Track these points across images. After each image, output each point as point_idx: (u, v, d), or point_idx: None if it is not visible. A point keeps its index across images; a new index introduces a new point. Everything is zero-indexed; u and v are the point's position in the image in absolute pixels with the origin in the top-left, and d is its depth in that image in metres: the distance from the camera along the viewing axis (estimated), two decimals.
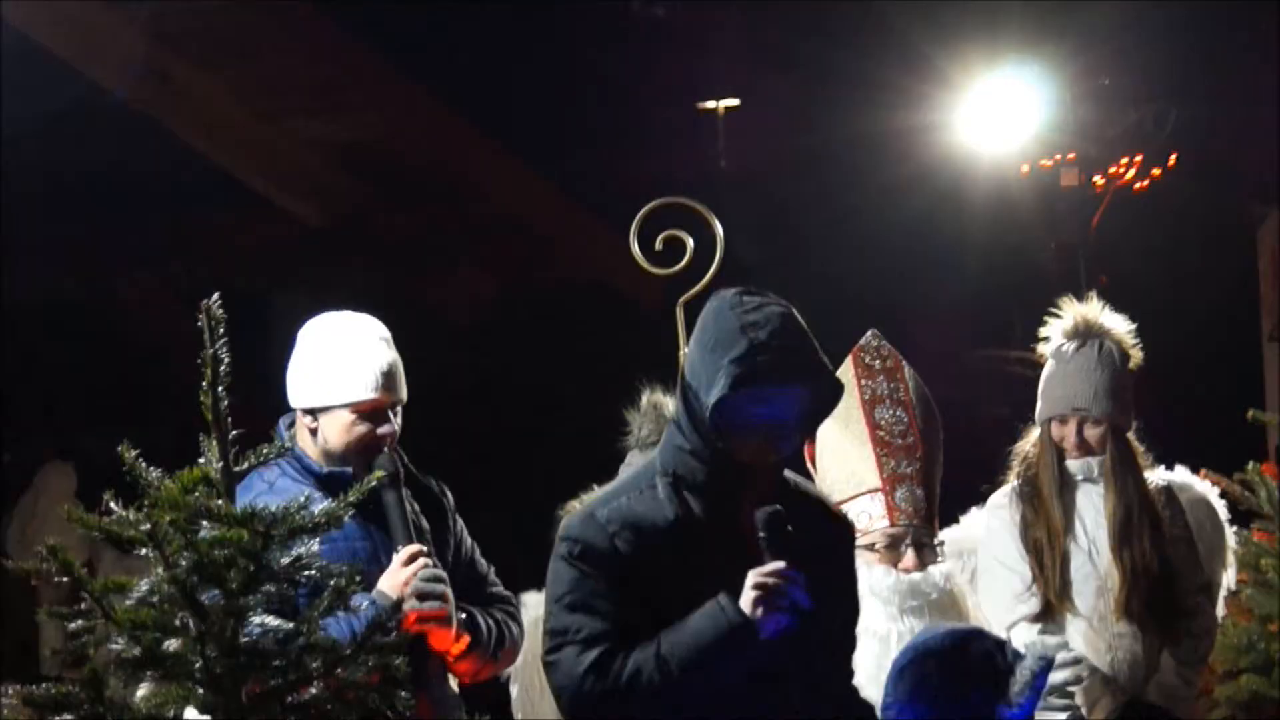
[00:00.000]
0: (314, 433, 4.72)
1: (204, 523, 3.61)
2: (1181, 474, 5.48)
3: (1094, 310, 5.42)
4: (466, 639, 4.67)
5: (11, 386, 9.14)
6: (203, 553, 3.55)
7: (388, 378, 4.71)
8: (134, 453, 3.64)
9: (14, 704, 3.59)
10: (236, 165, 10.16)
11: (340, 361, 4.69)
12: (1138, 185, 10.73)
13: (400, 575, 4.56)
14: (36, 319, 8.98)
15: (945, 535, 5.16)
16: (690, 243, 4.84)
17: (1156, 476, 5.40)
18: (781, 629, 3.85)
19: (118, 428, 3.77)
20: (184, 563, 3.55)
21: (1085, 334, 5.37)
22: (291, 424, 4.79)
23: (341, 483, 4.38)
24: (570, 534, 3.95)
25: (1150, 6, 10.11)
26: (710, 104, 11.61)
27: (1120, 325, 5.41)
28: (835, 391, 3.99)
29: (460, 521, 4.95)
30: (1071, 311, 5.42)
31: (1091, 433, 5.33)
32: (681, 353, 4.04)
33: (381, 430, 4.71)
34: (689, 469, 3.96)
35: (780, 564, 3.87)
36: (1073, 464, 5.34)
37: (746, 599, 3.85)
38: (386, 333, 4.79)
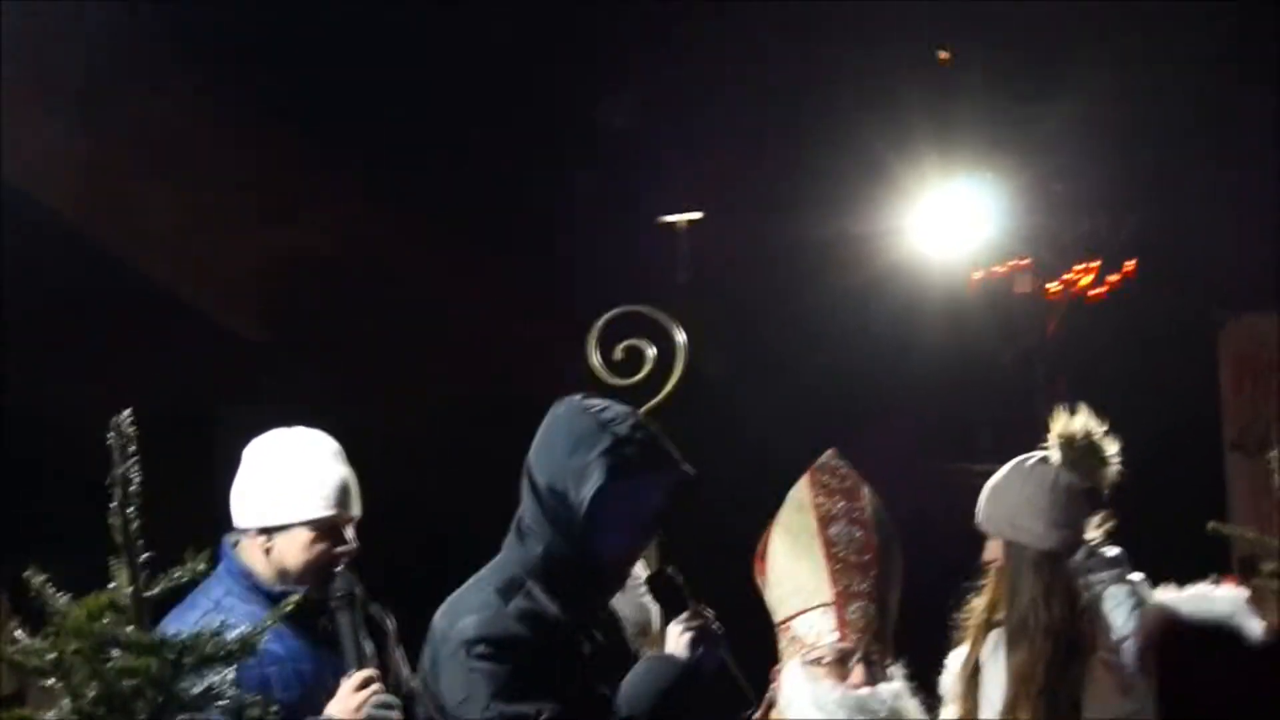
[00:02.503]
0: (268, 552, 4.62)
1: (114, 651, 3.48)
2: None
3: (1064, 423, 5.27)
4: None
5: None
6: (109, 682, 3.42)
7: (344, 493, 4.65)
8: (41, 578, 3.52)
9: None
10: (174, 277, 10.07)
11: (296, 478, 4.60)
12: (1093, 292, 10.70)
13: (353, 700, 4.45)
14: None
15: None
16: (651, 352, 4.81)
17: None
18: (718, 662, 4.16)
19: (63, 553, 3.68)
20: (90, 693, 3.42)
21: (1059, 448, 5.23)
22: (236, 543, 4.67)
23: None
24: (482, 633, 4.02)
25: (1103, 113, 10.11)
26: (672, 218, 11.52)
27: (1083, 439, 5.26)
28: (688, 483, 4.19)
29: (400, 649, 4.84)
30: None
31: (992, 545, 5.21)
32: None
33: (340, 549, 4.62)
34: (556, 571, 4.11)
35: (699, 607, 4.19)
36: None
37: (680, 645, 4.13)
38: (339, 447, 4.71)
